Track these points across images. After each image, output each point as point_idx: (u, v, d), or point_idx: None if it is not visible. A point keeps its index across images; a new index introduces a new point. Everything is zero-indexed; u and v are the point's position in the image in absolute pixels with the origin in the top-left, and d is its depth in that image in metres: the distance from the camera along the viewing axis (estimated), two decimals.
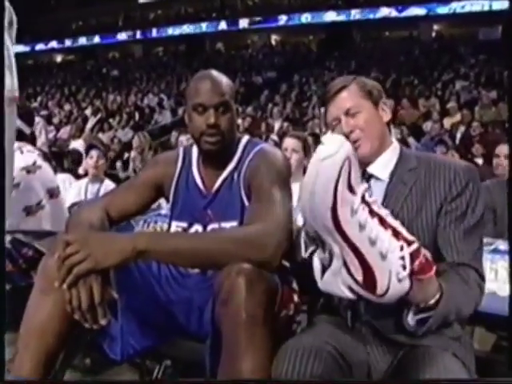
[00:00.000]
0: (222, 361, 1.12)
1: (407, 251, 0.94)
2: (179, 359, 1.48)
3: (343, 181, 0.92)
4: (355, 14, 16.61)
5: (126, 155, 7.29)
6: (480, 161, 5.68)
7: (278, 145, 3.73)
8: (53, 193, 2.21)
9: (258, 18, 17.85)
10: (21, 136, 2.19)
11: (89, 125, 10.38)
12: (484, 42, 13.07)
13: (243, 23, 18.42)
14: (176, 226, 1.47)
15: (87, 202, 2.73)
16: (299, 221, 1.19)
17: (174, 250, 1.17)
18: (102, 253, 1.12)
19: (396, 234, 0.96)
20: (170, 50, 20.45)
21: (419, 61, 12.64)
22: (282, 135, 5.17)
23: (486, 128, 6.77)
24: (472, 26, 14.68)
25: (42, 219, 2.13)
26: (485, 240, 1.76)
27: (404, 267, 0.93)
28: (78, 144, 7.20)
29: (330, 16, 16.93)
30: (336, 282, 0.97)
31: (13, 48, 1.57)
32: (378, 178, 1.23)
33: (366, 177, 1.23)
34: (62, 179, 3.55)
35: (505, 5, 11.07)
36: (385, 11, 16.18)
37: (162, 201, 2.21)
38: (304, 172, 1.15)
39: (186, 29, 19.47)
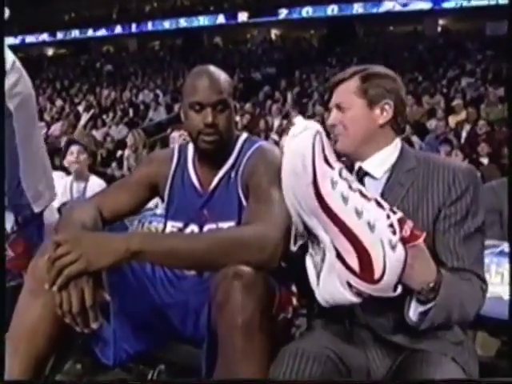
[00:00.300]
0: (218, 365, 1.13)
1: (394, 218, 0.97)
2: (174, 364, 1.48)
3: (319, 154, 0.96)
4: (358, 7, 16.62)
5: (120, 153, 7.30)
6: (486, 160, 5.70)
7: (279, 144, 3.74)
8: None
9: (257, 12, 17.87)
10: None
11: (82, 121, 10.37)
12: (491, 37, 13.07)
13: (242, 17, 18.42)
14: (171, 226, 1.47)
15: (79, 201, 2.73)
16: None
17: (169, 251, 1.16)
18: (94, 254, 1.12)
19: (380, 205, 0.99)
20: (167, 44, 20.41)
21: (424, 56, 12.66)
22: (282, 133, 5.17)
23: (492, 127, 6.78)
24: (479, 20, 14.68)
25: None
26: (491, 242, 1.77)
27: (394, 232, 0.95)
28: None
29: (332, 10, 16.95)
30: (333, 282, 0.98)
31: None
32: (372, 177, 1.23)
33: (361, 174, 1.24)
34: (55, 177, 3.54)
35: None
36: (388, 5, 16.20)
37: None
38: None
39: (183, 22, 19.46)
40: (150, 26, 20.12)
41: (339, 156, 1.26)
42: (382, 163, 1.23)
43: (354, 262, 0.96)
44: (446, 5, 15.53)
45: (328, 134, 1.09)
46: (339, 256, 0.97)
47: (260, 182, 1.33)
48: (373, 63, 1.35)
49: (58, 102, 13.03)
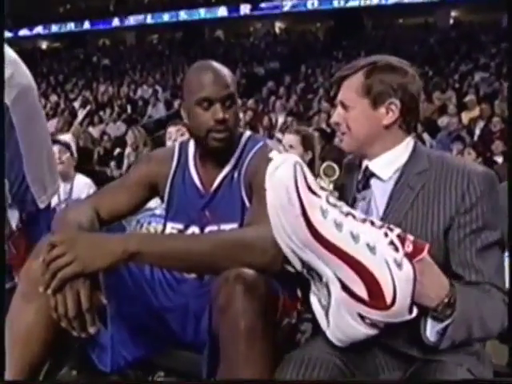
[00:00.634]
0: (220, 370, 1.13)
1: (393, 234, 0.96)
2: (173, 370, 1.48)
3: (301, 184, 0.95)
4: None
5: (117, 151, 7.30)
6: (500, 159, 5.68)
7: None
8: None
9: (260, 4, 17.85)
10: None
11: (78, 118, 10.38)
12: (507, 30, 13.02)
13: (245, 9, 18.43)
14: (171, 227, 1.47)
15: (75, 201, 2.73)
16: None
17: (168, 253, 1.16)
18: (90, 255, 1.12)
19: (374, 225, 0.97)
20: (166, 38, 20.44)
21: (435, 50, 12.64)
22: (285, 131, 5.18)
23: (507, 123, 6.76)
24: (493, 11, 14.61)
25: None
26: None
27: (396, 249, 0.94)
28: (66, 138, 7.19)
29: (339, 1, 16.93)
30: (344, 317, 0.97)
31: None
32: (379, 178, 1.20)
33: (368, 175, 1.21)
34: None
35: None
36: None
37: None
38: None
39: (183, 15, 19.48)
40: (148, 18, 20.16)
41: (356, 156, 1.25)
42: (389, 164, 1.19)
43: (361, 290, 0.93)
44: None
45: (334, 131, 1.09)
46: (344, 287, 0.95)
47: (263, 183, 1.32)
48: None
49: (53, 98, 13.08)
